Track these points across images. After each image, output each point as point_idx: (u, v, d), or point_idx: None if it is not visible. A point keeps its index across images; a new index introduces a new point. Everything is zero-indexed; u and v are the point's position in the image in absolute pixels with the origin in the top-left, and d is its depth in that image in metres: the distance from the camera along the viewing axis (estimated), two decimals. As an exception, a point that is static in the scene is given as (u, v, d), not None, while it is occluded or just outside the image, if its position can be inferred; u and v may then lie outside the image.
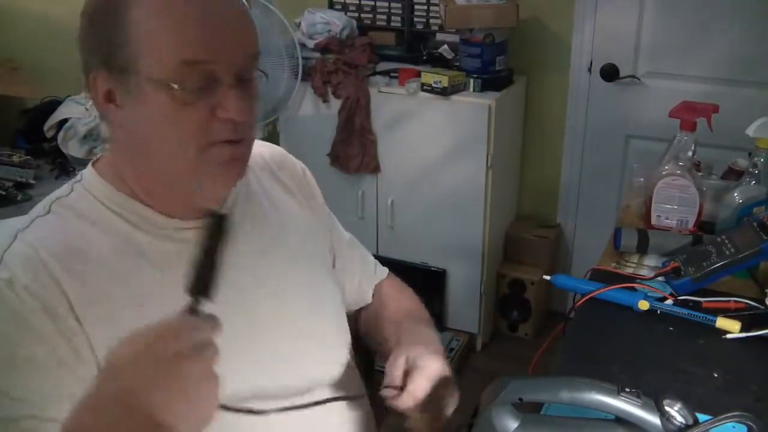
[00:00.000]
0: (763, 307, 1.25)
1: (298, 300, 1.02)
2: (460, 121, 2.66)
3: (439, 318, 2.96)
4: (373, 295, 1.23)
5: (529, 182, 3.11)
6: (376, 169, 2.84)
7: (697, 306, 1.27)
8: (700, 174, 1.62)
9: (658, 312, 1.27)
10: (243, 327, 0.94)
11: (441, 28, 2.86)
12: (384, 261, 1.30)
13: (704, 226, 1.55)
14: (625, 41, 2.73)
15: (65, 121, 2.50)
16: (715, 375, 1.12)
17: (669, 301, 1.29)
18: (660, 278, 1.36)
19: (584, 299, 1.30)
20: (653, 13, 2.67)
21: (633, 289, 1.31)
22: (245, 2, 0.90)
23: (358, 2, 2.99)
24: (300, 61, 2.74)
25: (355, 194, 2.93)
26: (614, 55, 2.76)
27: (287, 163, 1.15)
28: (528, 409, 0.90)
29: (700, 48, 2.62)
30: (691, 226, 1.54)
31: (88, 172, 0.95)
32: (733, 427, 0.86)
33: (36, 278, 0.81)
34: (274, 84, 2.74)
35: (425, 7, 2.90)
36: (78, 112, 2.49)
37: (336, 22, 2.85)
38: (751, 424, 0.81)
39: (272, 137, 3.01)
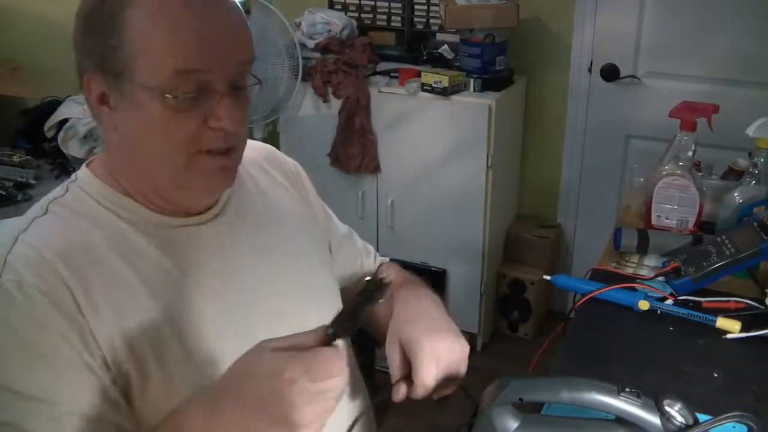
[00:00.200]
0: (763, 307, 1.25)
1: (298, 295, 1.02)
2: (460, 121, 2.66)
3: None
4: None
5: (529, 182, 3.11)
6: (376, 169, 2.84)
7: (697, 306, 1.27)
8: (700, 174, 1.62)
9: (659, 312, 1.27)
10: (244, 327, 0.94)
11: (441, 28, 2.86)
12: (384, 261, 1.30)
13: (704, 226, 1.55)
14: (626, 41, 2.73)
15: (65, 121, 2.50)
16: (715, 375, 1.12)
17: (669, 301, 1.29)
18: (660, 278, 1.36)
19: (584, 299, 1.30)
20: (653, 13, 2.67)
21: (633, 289, 1.31)
22: (240, 7, 0.90)
23: (358, 2, 2.99)
24: (300, 61, 2.74)
25: (355, 194, 2.93)
26: (614, 55, 2.76)
27: (278, 159, 1.15)
28: (528, 409, 0.90)
29: (700, 48, 2.62)
30: (691, 226, 1.54)
31: (82, 173, 0.95)
32: (733, 427, 0.86)
33: (43, 278, 0.81)
34: (274, 84, 2.74)
35: (425, 7, 2.90)
36: (78, 112, 2.50)
37: (336, 22, 2.85)
38: (751, 424, 0.81)
39: (272, 137, 3.01)
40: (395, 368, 0.94)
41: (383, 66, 2.89)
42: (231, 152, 0.89)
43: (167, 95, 0.82)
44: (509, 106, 2.78)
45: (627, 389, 0.82)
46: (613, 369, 1.13)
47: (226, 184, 0.93)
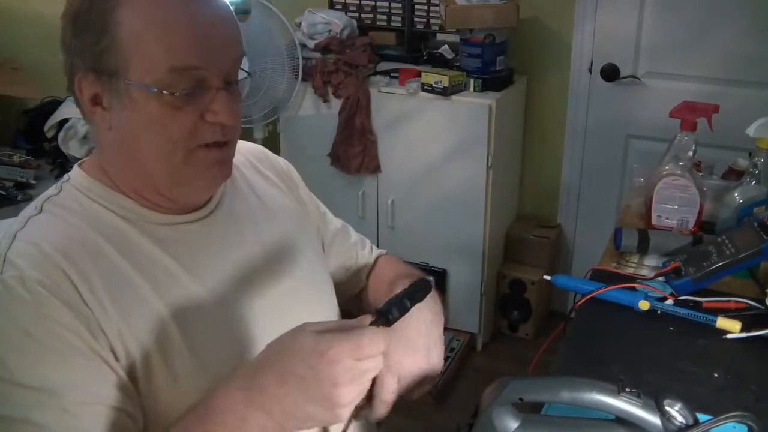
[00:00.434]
0: (763, 308, 1.25)
1: (293, 290, 1.03)
2: (460, 121, 2.66)
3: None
4: (369, 276, 1.24)
5: (529, 182, 3.11)
6: (376, 169, 2.84)
7: (697, 306, 1.27)
8: (700, 174, 1.62)
9: (659, 312, 1.27)
10: (243, 322, 0.95)
11: (441, 28, 2.86)
12: (384, 261, 1.29)
13: (705, 226, 1.55)
14: (626, 41, 2.73)
15: (65, 121, 2.50)
16: (716, 375, 1.12)
17: (669, 301, 1.29)
18: (660, 278, 1.36)
19: (585, 299, 1.30)
20: (653, 13, 2.67)
21: (633, 289, 1.31)
22: (228, 4, 0.90)
23: (358, 2, 2.99)
24: (300, 61, 2.74)
25: (356, 194, 2.93)
26: (615, 55, 2.76)
27: (269, 158, 1.16)
28: (528, 409, 0.90)
29: (701, 48, 2.62)
30: (691, 226, 1.54)
31: (75, 172, 0.95)
32: (734, 427, 0.86)
33: (45, 272, 0.81)
34: (274, 84, 2.74)
35: (425, 7, 2.90)
36: (78, 112, 2.50)
37: (336, 22, 2.85)
38: (751, 424, 0.81)
39: (272, 137, 3.01)
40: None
41: (383, 66, 2.89)
42: (226, 145, 0.91)
43: (163, 91, 0.83)
44: (509, 106, 2.78)
45: (627, 389, 0.82)
46: (613, 369, 1.12)
47: (224, 176, 0.94)
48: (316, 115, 2.89)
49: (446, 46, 2.88)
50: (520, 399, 0.85)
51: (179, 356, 0.87)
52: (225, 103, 0.86)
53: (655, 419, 0.81)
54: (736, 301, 1.27)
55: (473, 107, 2.63)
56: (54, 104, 2.61)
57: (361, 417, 0.88)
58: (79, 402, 0.79)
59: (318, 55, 2.84)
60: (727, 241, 1.33)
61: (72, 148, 2.46)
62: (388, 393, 0.88)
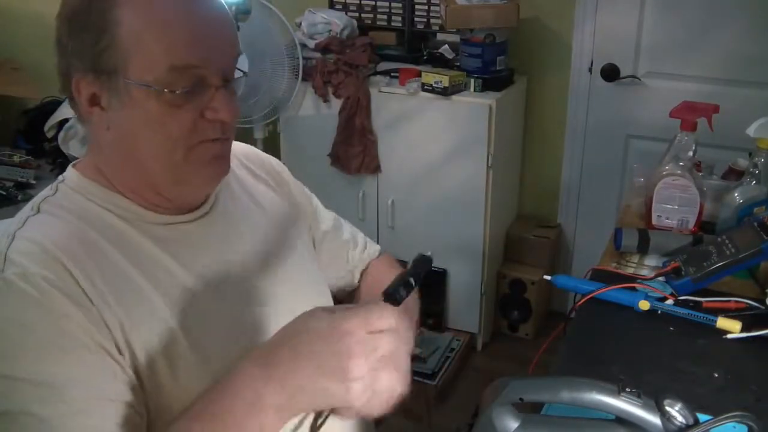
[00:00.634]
0: (763, 307, 1.25)
1: (289, 288, 1.04)
2: (460, 121, 2.66)
3: (439, 318, 2.96)
4: (362, 275, 1.24)
5: (529, 182, 3.11)
6: (376, 169, 2.84)
7: (697, 306, 1.27)
8: (700, 174, 1.62)
9: (659, 312, 1.27)
10: (240, 322, 0.95)
11: (442, 28, 2.86)
12: (384, 261, 1.29)
13: (705, 226, 1.55)
14: (626, 41, 2.73)
15: (66, 121, 2.50)
16: (716, 375, 1.12)
17: (669, 301, 1.29)
18: (660, 278, 1.36)
19: (585, 299, 1.30)
20: (653, 13, 2.67)
21: (633, 289, 1.31)
22: (224, 4, 0.91)
23: (358, 2, 2.99)
24: (300, 61, 2.74)
25: (356, 194, 2.93)
26: (615, 55, 2.76)
27: (260, 158, 1.17)
28: (528, 409, 0.90)
29: (701, 48, 2.62)
30: (691, 226, 1.54)
31: (70, 173, 0.95)
32: (734, 427, 0.86)
33: (48, 268, 0.81)
34: (274, 84, 2.74)
35: (426, 7, 2.90)
36: (77, 112, 2.50)
37: (336, 22, 2.85)
38: (751, 424, 0.81)
39: (273, 137, 3.01)
40: None
41: (384, 66, 2.89)
42: (224, 141, 0.92)
43: (164, 90, 0.83)
44: (509, 106, 2.78)
45: (627, 389, 0.82)
46: (613, 369, 1.12)
47: (223, 171, 0.94)
48: (316, 115, 2.90)
49: (446, 46, 2.88)
50: (520, 399, 0.85)
51: (182, 353, 0.87)
52: (225, 101, 0.87)
53: (655, 419, 0.81)
54: (736, 301, 1.27)
55: (473, 107, 2.63)
56: (54, 104, 2.61)
57: None
58: (84, 396, 0.79)
59: (318, 55, 2.84)
60: (727, 241, 1.33)
61: (72, 148, 2.46)
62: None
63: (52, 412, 0.77)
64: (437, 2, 2.83)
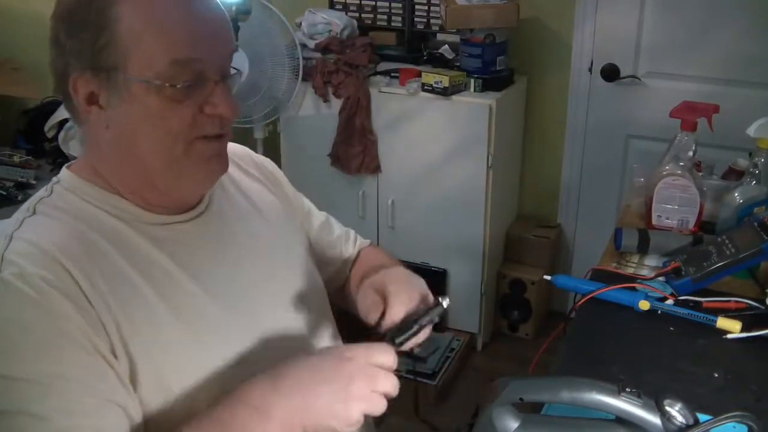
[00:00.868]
0: (763, 307, 1.25)
1: (285, 286, 1.04)
2: (460, 121, 2.66)
3: (439, 318, 2.95)
4: (353, 266, 1.26)
5: (529, 182, 3.11)
6: (376, 169, 2.84)
7: (697, 306, 1.27)
8: (700, 174, 1.62)
9: (659, 312, 1.27)
10: (238, 321, 0.95)
11: (442, 28, 2.86)
12: (384, 261, 1.29)
13: (705, 226, 1.55)
14: (626, 41, 2.73)
15: (66, 121, 2.50)
16: (716, 375, 1.12)
17: (669, 301, 1.29)
18: (660, 278, 1.36)
19: (585, 299, 1.30)
20: (653, 13, 2.67)
21: (633, 289, 1.31)
22: (218, 0, 0.92)
23: (358, 2, 2.99)
24: (300, 61, 2.74)
25: (356, 194, 2.93)
26: (615, 55, 2.76)
27: (252, 157, 1.18)
28: (528, 409, 0.90)
29: (701, 48, 2.62)
30: (691, 226, 1.54)
31: (64, 174, 0.95)
32: (734, 427, 0.86)
33: (47, 269, 0.81)
34: (274, 84, 2.74)
35: (426, 7, 2.89)
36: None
37: (336, 22, 2.85)
38: (751, 424, 0.81)
39: (272, 137, 3.01)
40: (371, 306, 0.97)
41: (384, 66, 2.89)
42: (223, 137, 0.92)
43: (165, 84, 0.84)
44: (509, 106, 2.78)
45: (627, 389, 0.82)
46: (613, 369, 1.13)
47: (222, 169, 0.95)
48: (316, 115, 2.89)
49: (446, 46, 2.88)
50: (520, 399, 0.85)
51: (179, 351, 0.87)
52: (224, 96, 0.88)
53: (655, 419, 0.81)
54: (736, 301, 1.27)
55: (473, 107, 2.63)
56: (54, 104, 2.61)
57: None
58: (82, 396, 0.79)
59: (318, 55, 2.84)
60: (727, 241, 1.33)
61: (72, 148, 2.46)
62: (396, 313, 0.93)
63: (50, 411, 0.77)
64: (437, 2, 2.83)
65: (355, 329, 1.15)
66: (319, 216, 1.25)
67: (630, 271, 1.43)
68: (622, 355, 1.18)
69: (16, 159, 2.45)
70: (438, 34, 2.94)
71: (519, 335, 3.01)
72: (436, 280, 2.86)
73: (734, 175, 1.67)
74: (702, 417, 0.81)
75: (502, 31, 2.67)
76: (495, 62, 2.68)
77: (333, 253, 1.24)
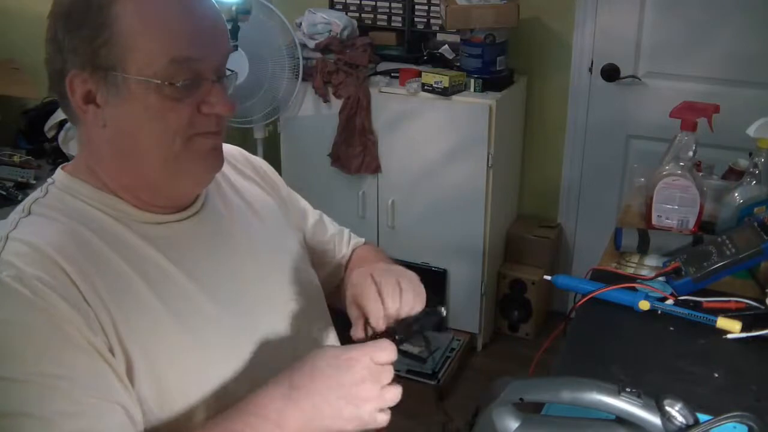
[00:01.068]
0: (763, 307, 1.25)
1: (281, 285, 1.05)
2: (460, 121, 2.66)
3: (439, 318, 2.95)
4: (348, 264, 1.26)
5: (529, 182, 3.11)
6: (376, 169, 2.84)
7: (697, 306, 1.27)
8: (700, 174, 1.62)
9: (659, 312, 1.27)
10: (234, 320, 0.95)
11: (442, 28, 2.86)
12: (385, 261, 1.29)
13: (705, 226, 1.55)
14: (626, 41, 2.73)
15: (66, 121, 2.50)
16: (716, 375, 1.12)
17: (670, 301, 1.29)
18: (661, 278, 1.36)
19: (585, 299, 1.30)
20: (654, 13, 2.67)
21: (634, 289, 1.31)
22: (214, 0, 0.93)
23: (358, 2, 2.99)
24: (301, 61, 2.74)
25: (356, 194, 2.93)
26: (615, 55, 2.76)
27: (247, 158, 1.19)
28: (529, 409, 0.90)
29: (701, 48, 2.62)
30: (691, 226, 1.54)
31: (59, 175, 0.95)
32: (734, 427, 0.86)
33: (44, 270, 0.81)
34: (274, 84, 2.74)
35: (426, 8, 2.90)
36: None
37: (337, 22, 2.85)
38: (751, 424, 0.81)
39: (273, 137, 3.01)
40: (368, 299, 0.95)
41: (384, 66, 2.89)
42: (218, 135, 0.93)
43: (164, 83, 0.84)
44: (510, 106, 2.78)
45: (627, 389, 0.82)
46: (614, 369, 1.13)
47: (219, 164, 0.96)
48: (316, 115, 2.89)
49: (446, 46, 2.88)
50: (521, 399, 0.85)
51: (176, 350, 0.87)
52: (220, 95, 0.89)
53: (655, 419, 0.81)
54: (736, 301, 1.27)
55: (473, 107, 2.63)
56: (54, 104, 2.61)
57: None
58: (82, 396, 0.79)
59: (318, 55, 2.84)
60: (727, 241, 1.33)
61: (72, 148, 2.46)
62: (393, 304, 0.93)
63: (52, 413, 0.77)
64: (437, 2, 2.83)
65: (351, 327, 1.16)
66: (313, 214, 1.26)
67: (630, 271, 1.43)
68: (622, 355, 1.18)
69: (16, 159, 2.45)
70: (438, 34, 2.94)
71: (519, 335, 3.01)
72: (437, 280, 2.86)
73: (734, 175, 1.67)
74: (702, 417, 0.81)
75: (502, 31, 2.67)
76: (495, 62, 2.68)
77: (327, 253, 1.24)
